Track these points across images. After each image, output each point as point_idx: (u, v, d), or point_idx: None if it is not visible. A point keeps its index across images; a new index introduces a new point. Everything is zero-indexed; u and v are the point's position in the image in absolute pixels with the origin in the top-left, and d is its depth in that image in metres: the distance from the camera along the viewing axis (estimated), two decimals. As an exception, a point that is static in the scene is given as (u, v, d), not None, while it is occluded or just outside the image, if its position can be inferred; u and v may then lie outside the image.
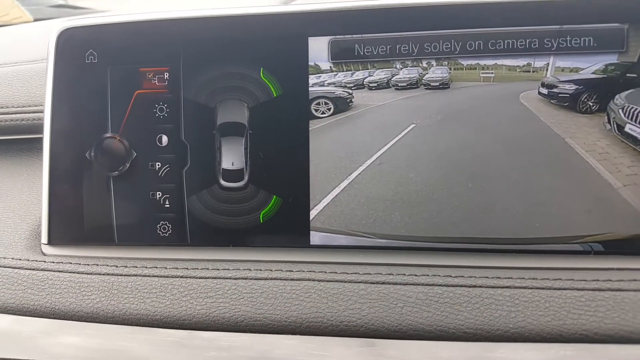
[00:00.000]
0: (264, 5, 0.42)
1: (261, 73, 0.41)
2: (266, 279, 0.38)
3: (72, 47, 0.44)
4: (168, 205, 0.43)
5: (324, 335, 0.35)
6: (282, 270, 0.38)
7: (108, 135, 0.43)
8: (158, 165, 0.43)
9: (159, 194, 0.43)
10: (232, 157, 0.42)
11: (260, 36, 0.41)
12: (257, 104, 0.41)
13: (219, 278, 0.38)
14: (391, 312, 0.35)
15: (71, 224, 0.44)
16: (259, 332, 0.36)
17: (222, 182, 0.42)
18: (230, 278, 0.38)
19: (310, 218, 0.40)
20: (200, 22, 0.42)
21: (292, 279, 0.37)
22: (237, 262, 0.40)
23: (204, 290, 0.38)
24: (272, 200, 0.41)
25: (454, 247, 0.39)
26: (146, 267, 0.40)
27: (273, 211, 0.41)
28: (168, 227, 0.43)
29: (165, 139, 0.43)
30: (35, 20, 0.95)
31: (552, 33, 0.38)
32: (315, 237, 0.41)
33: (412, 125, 0.40)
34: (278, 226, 0.41)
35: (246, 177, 0.42)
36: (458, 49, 0.39)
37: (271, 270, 0.38)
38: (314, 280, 0.37)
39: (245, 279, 0.38)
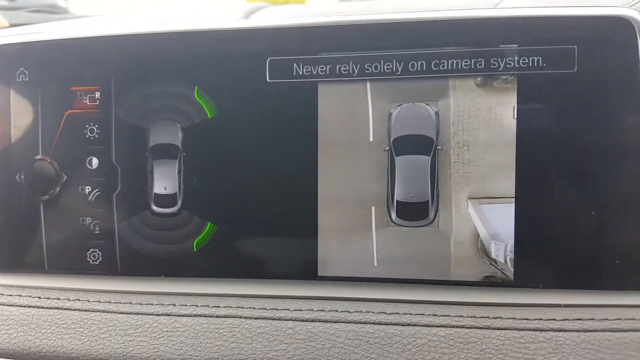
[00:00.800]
0: (199, 20, 0.39)
1: (195, 93, 0.39)
2: (190, 315, 0.35)
3: (2, 64, 0.42)
4: (98, 232, 0.40)
5: (246, 378, 0.33)
6: (208, 306, 0.35)
7: (39, 157, 0.41)
8: (88, 189, 0.41)
9: (89, 220, 0.41)
10: (164, 180, 0.40)
11: (194, 54, 0.39)
12: (191, 125, 0.39)
13: (141, 314, 0.36)
14: (318, 354, 0.32)
15: (0, 249, 0.41)
16: (177, 375, 0.34)
17: (154, 208, 0.40)
18: (152, 314, 0.36)
19: (246, 247, 0.38)
20: (131, 39, 0.40)
21: (217, 316, 0.35)
22: (163, 295, 0.37)
23: (124, 327, 0.36)
24: (207, 227, 0.39)
25: (394, 278, 0.37)
26: (69, 300, 0.38)
27: (207, 239, 0.39)
28: (98, 254, 0.41)
29: (95, 161, 0.41)
30: (12, 25, 0.93)
31: (498, 53, 0.35)
32: (252, 267, 0.38)
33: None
34: (212, 255, 0.39)
35: (179, 203, 0.39)
36: (400, 70, 0.37)
37: (197, 305, 0.35)
38: (240, 317, 0.34)
39: (168, 315, 0.35)
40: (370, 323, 0.33)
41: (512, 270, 0.35)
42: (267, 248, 0.37)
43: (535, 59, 0.35)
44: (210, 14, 0.41)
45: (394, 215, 0.37)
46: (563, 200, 0.34)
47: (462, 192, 0.36)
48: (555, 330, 0.31)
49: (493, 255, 0.35)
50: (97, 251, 0.40)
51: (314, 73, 0.37)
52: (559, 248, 0.34)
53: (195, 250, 0.39)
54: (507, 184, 0.35)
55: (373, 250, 0.37)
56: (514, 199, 0.35)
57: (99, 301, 0.37)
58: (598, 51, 0.34)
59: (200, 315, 0.35)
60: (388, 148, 0.37)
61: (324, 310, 0.34)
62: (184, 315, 0.35)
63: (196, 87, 0.39)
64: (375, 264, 0.37)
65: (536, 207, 0.35)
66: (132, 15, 0.45)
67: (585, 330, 0.30)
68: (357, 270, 0.37)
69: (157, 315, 0.35)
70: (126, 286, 0.38)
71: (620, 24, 0.33)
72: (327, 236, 0.37)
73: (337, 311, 0.33)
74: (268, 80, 0.38)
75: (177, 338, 0.34)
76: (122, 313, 0.36)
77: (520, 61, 0.35)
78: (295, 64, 0.37)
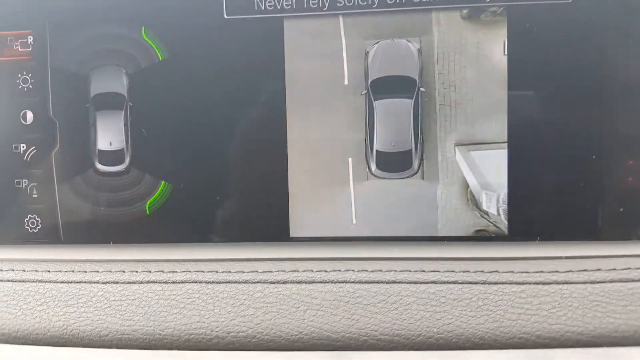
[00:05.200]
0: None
1: (142, 33, 0.34)
2: (141, 282, 0.30)
3: None
4: (36, 195, 0.35)
5: (207, 349, 0.28)
6: (163, 272, 0.30)
7: (-36, 112, 0.35)
8: (23, 147, 0.35)
9: (25, 182, 0.35)
10: (109, 135, 0.35)
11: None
12: (139, 70, 0.34)
13: (85, 282, 0.31)
14: (291, 318, 0.28)
15: None
16: (126, 348, 0.28)
17: (99, 166, 0.35)
18: (98, 282, 0.30)
19: (207, 208, 0.33)
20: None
21: (174, 282, 0.30)
22: (111, 262, 0.32)
23: (64, 298, 0.30)
24: (160, 187, 0.34)
25: (376, 236, 0.33)
26: (1, 270, 0.32)
27: (161, 200, 0.34)
28: (37, 221, 0.35)
29: (30, 115, 0.35)
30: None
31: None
32: (214, 231, 0.33)
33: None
34: (167, 218, 0.34)
35: (127, 159, 0.34)
36: (376, 2, 0.32)
37: (149, 271, 0.31)
38: (200, 282, 0.29)
39: (116, 282, 0.30)
40: (351, 282, 0.28)
41: (506, 222, 0.31)
42: (231, 208, 0.33)
43: (527, -13, 0.31)
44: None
45: (373, 167, 0.33)
46: (560, 145, 0.30)
47: (449, 138, 0.32)
48: (559, 283, 0.27)
49: (484, 207, 0.32)
50: (36, 217, 0.35)
51: (279, 7, 0.33)
52: (556, 197, 0.30)
53: (148, 213, 0.34)
54: (499, 127, 0.31)
55: (351, 206, 0.33)
56: (506, 145, 0.31)
57: (36, 270, 0.31)
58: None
59: (153, 282, 0.30)
60: (365, 91, 0.33)
61: (297, 271, 0.29)
62: (134, 282, 0.30)
63: (143, 27, 0.34)
64: (354, 222, 0.33)
65: (531, 153, 0.31)
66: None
67: (592, 282, 0.27)
68: (334, 230, 0.33)
69: (103, 283, 0.30)
70: (70, 255, 0.33)
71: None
72: (299, 193, 0.33)
73: (312, 271, 0.29)
74: (226, 16, 0.33)
75: (126, 307, 0.29)
76: (62, 282, 0.31)
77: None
78: (257, -4, 0.33)
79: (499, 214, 0.32)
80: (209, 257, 0.32)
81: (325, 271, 0.29)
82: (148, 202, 0.34)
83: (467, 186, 0.32)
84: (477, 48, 0.32)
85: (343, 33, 0.33)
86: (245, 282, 0.29)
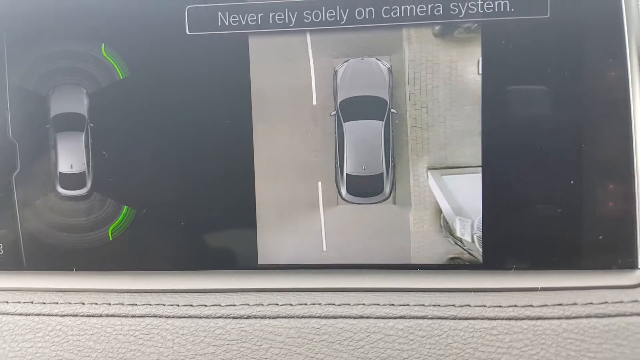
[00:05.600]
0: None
1: (102, 50, 0.32)
2: (100, 315, 0.29)
3: None
4: (-4, 220, 0.34)
5: (165, 390, 0.27)
6: (122, 304, 0.29)
7: None
8: (-18, 170, 0.34)
9: (-15, 207, 0.34)
10: (70, 157, 0.33)
11: (99, 5, 0.32)
12: (99, 89, 0.32)
13: (43, 315, 0.29)
14: (253, 357, 0.27)
15: None
16: (81, 389, 0.27)
17: (60, 190, 0.33)
18: (56, 315, 0.29)
19: (171, 234, 0.32)
20: (25, -13, 0.33)
21: (133, 316, 0.29)
22: (72, 292, 0.31)
23: (21, 332, 0.29)
24: (123, 212, 0.33)
25: (346, 264, 0.32)
26: (-43, 302, 0.31)
27: (124, 226, 0.33)
28: (-2, 247, 0.34)
29: (-12, 137, 0.34)
30: None
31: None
32: (178, 258, 0.32)
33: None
34: (130, 245, 0.33)
35: (89, 183, 0.33)
36: (345, 18, 0.31)
37: (109, 304, 0.29)
38: (160, 316, 0.28)
39: (75, 316, 0.29)
40: (316, 317, 0.27)
41: (481, 250, 0.30)
42: (196, 234, 0.31)
43: (502, 3, 0.30)
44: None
45: (344, 191, 0.31)
46: (537, 169, 0.29)
47: (421, 162, 0.31)
48: (532, 319, 0.26)
49: (458, 234, 0.30)
50: (-4, 243, 0.34)
51: (243, 23, 0.31)
52: (533, 224, 0.29)
53: (111, 239, 0.32)
54: (473, 151, 0.30)
55: (321, 232, 0.32)
56: (480, 169, 0.30)
57: (-7, 302, 0.30)
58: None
59: (112, 315, 0.29)
60: (334, 112, 0.31)
61: (262, 305, 0.28)
62: (93, 316, 0.29)
63: (103, 44, 0.32)
64: (324, 249, 0.31)
65: (506, 177, 0.30)
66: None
67: (567, 317, 0.26)
68: (303, 257, 0.32)
69: (61, 316, 0.29)
70: (32, 283, 0.32)
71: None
72: (267, 218, 0.31)
73: (277, 304, 0.28)
74: (188, 32, 0.31)
75: (84, 343, 0.28)
76: (20, 315, 0.30)
77: (485, 6, 0.30)
78: (219, 13, 0.31)
79: (473, 241, 0.30)
80: (173, 287, 0.30)
81: (291, 305, 0.28)
82: (111, 228, 0.33)
83: (441, 212, 0.31)
84: (450, 67, 0.30)
85: (311, 51, 0.31)
86: (207, 317, 0.28)
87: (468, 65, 0.30)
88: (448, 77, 0.30)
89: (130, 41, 0.32)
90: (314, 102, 0.32)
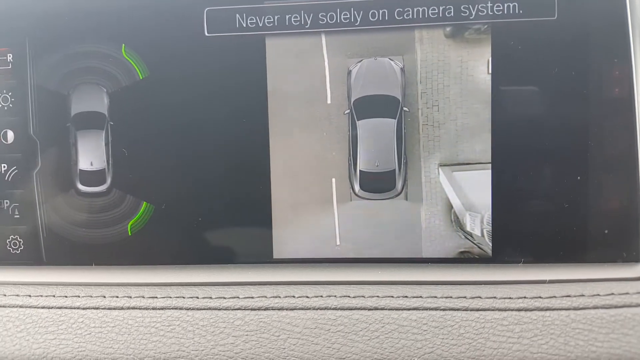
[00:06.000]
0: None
1: (123, 51, 0.33)
2: (121, 308, 0.30)
3: None
4: (18, 216, 0.35)
5: (187, 378, 0.28)
6: (143, 297, 0.30)
7: (-57, 131, 0.35)
8: (4, 167, 0.35)
9: (7, 203, 0.35)
10: (90, 155, 0.34)
11: (119, 6, 0.33)
12: (119, 89, 0.33)
13: (65, 308, 0.30)
14: (272, 347, 0.28)
15: None
16: (106, 378, 0.28)
17: (80, 187, 0.34)
18: (78, 308, 0.30)
19: (189, 229, 0.33)
20: (47, -11, 0.34)
21: (154, 308, 0.29)
22: (92, 286, 0.32)
23: (44, 324, 0.30)
24: (142, 208, 0.34)
25: (359, 258, 0.33)
26: (-20, 295, 0.32)
27: (143, 221, 0.34)
28: (19, 242, 0.35)
29: (10, 134, 0.35)
30: None
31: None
32: (196, 253, 0.33)
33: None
34: (149, 240, 0.34)
35: (108, 180, 0.34)
36: (359, 20, 0.32)
37: (130, 297, 0.30)
38: (181, 308, 0.29)
39: (97, 308, 0.30)
40: (332, 309, 0.28)
41: (490, 244, 0.31)
42: (213, 229, 0.32)
43: (511, 5, 0.31)
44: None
45: (357, 187, 0.32)
46: (545, 165, 0.30)
47: (433, 158, 0.32)
48: (541, 310, 0.27)
49: (468, 228, 0.31)
50: (18, 238, 0.35)
51: (260, 25, 0.32)
52: (541, 218, 0.30)
53: (130, 234, 0.33)
54: (483, 148, 0.31)
55: (335, 227, 0.32)
56: (490, 165, 0.31)
57: (17, 295, 0.31)
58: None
59: (133, 308, 0.29)
60: (348, 111, 0.32)
61: (279, 297, 0.29)
62: (114, 308, 0.30)
63: (123, 45, 0.33)
64: (338, 243, 0.32)
65: (515, 173, 0.31)
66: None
67: (575, 308, 0.27)
68: (317, 251, 0.33)
69: (83, 309, 0.30)
70: (52, 277, 0.33)
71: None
72: (282, 214, 0.32)
73: (293, 297, 0.29)
74: (206, 34, 0.32)
75: (106, 335, 0.29)
76: (43, 308, 0.30)
77: (494, 8, 0.31)
78: (237, 15, 0.32)
79: (483, 235, 0.31)
80: (191, 280, 0.31)
81: (307, 297, 0.29)
82: (130, 223, 0.34)
83: (451, 207, 0.32)
84: (461, 67, 0.31)
85: (325, 51, 0.32)
86: (226, 308, 0.29)
87: (478, 65, 0.31)
88: (459, 76, 0.31)
89: (150, 42, 0.33)
90: (329, 101, 0.33)
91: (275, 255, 0.33)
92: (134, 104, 0.33)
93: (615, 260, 0.30)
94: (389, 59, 0.32)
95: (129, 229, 0.34)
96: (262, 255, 0.33)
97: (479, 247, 0.31)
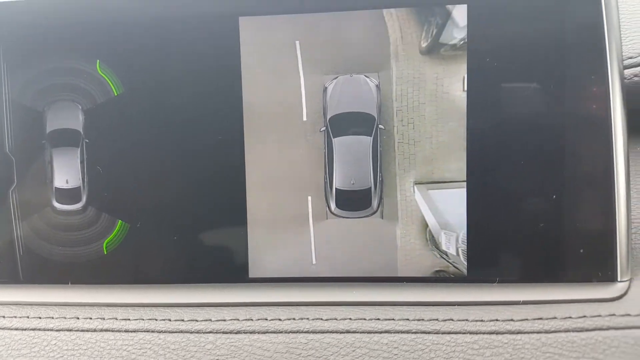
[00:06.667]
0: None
1: (97, 67, 0.33)
2: (94, 330, 0.30)
3: None
4: (-7, 234, 0.35)
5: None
6: (116, 319, 0.30)
7: None
8: (-21, 185, 0.35)
9: (-18, 221, 0.35)
10: (66, 172, 0.34)
11: (93, 20, 0.33)
12: (94, 106, 0.33)
13: (39, 330, 0.30)
14: (242, 371, 0.28)
15: None
16: (77, 402, 0.28)
17: (56, 204, 0.34)
18: (52, 330, 0.30)
19: (164, 248, 0.33)
20: (21, 5, 0.34)
21: (126, 330, 0.29)
22: (67, 306, 0.32)
23: (17, 347, 0.30)
24: (117, 226, 0.33)
25: (335, 277, 0.32)
26: (-45, 315, 0.32)
27: (118, 240, 0.34)
28: (-5, 260, 0.35)
29: (-15, 152, 0.35)
30: None
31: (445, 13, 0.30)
32: (172, 272, 0.33)
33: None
34: (125, 258, 0.33)
35: (84, 198, 0.34)
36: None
37: (103, 318, 0.30)
38: (152, 331, 0.29)
39: (70, 330, 0.30)
40: (304, 332, 0.28)
41: (465, 263, 0.31)
42: (189, 248, 0.32)
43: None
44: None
45: (333, 205, 0.32)
46: (520, 184, 0.30)
47: (408, 176, 0.31)
48: (513, 333, 0.27)
49: (444, 247, 0.31)
50: (-6, 256, 0.34)
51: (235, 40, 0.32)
52: (516, 237, 0.30)
53: (105, 252, 0.33)
54: (458, 166, 0.31)
55: (311, 246, 0.32)
56: (465, 184, 0.31)
57: (-10, 316, 0.31)
58: (557, 12, 0.29)
59: (106, 330, 0.29)
60: (324, 128, 0.32)
61: (252, 320, 0.29)
62: (87, 330, 0.30)
63: (98, 61, 0.33)
64: (314, 262, 0.32)
65: (490, 192, 0.30)
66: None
67: (546, 332, 0.27)
68: (293, 270, 0.32)
69: (56, 330, 0.30)
70: (28, 297, 0.33)
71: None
72: (258, 232, 0.32)
73: (266, 319, 0.29)
74: (180, 49, 0.32)
75: (78, 358, 0.29)
76: (17, 329, 0.30)
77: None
78: (212, 28, 0.32)
79: (458, 254, 0.31)
80: (166, 301, 0.31)
81: (280, 319, 0.29)
82: (105, 242, 0.34)
83: (427, 226, 0.31)
84: (436, 84, 0.31)
85: (301, 67, 0.32)
86: (198, 332, 0.29)
87: (453, 83, 0.31)
88: (434, 94, 0.31)
89: (124, 58, 0.33)
90: (304, 118, 0.32)
91: (251, 275, 0.32)
92: (108, 121, 0.33)
93: (591, 280, 0.30)
94: (365, 75, 0.32)
95: (104, 248, 0.34)
96: (238, 275, 0.32)
97: (454, 266, 0.31)
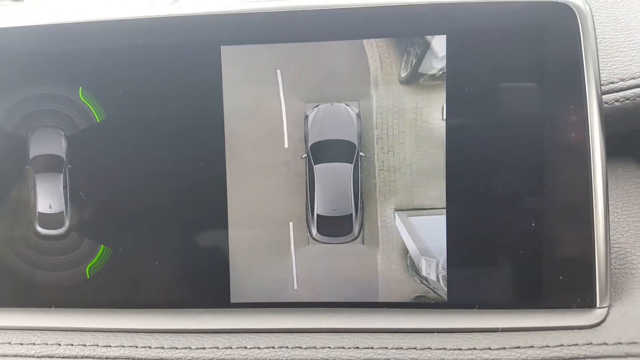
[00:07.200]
0: (88, 10, 0.34)
1: (80, 94, 0.33)
2: (75, 357, 0.30)
3: None
4: (-23, 258, 0.35)
5: None
6: (97, 346, 0.30)
7: None
8: (-37, 209, 0.35)
9: (-34, 245, 0.35)
10: (49, 198, 0.34)
11: (76, 49, 0.33)
12: (77, 132, 0.33)
13: (20, 356, 0.30)
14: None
15: None
16: None
17: (39, 229, 0.34)
18: (33, 356, 0.30)
19: (146, 273, 0.33)
20: (4, 33, 0.34)
21: (107, 357, 0.30)
22: (49, 331, 0.32)
23: (-3, 374, 0.30)
24: (100, 251, 0.34)
25: (317, 302, 0.33)
26: None
27: (101, 264, 0.34)
28: (-22, 285, 0.35)
29: (-31, 176, 0.35)
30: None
31: (424, 44, 0.31)
32: (154, 296, 0.33)
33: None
34: (107, 283, 0.34)
35: (67, 223, 0.34)
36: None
37: (84, 345, 0.30)
38: (133, 358, 0.29)
39: (51, 357, 0.30)
40: (282, 362, 0.28)
41: (445, 289, 0.31)
42: (171, 273, 0.32)
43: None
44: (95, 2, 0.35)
45: (314, 231, 0.32)
46: (499, 211, 0.30)
47: (389, 203, 0.32)
48: (490, 363, 0.27)
49: (424, 273, 0.31)
50: (-24, 281, 0.35)
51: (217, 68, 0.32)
52: (496, 264, 0.30)
53: (88, 277, 0.33)
54: (437, 193, 0.31)
55: (293, 271, 0.33)
56: (444, 210, 0.31)
57: (-30, 343, 0.31)
58: (536, 41, 0.30)
59: (87, 357, 0.30)
60: (305, 155, 0.32)
61: (231, 347, 0.29)
62: (69, 357, 0.30)
63: (80, 88, 0.33)
64: (296, 287, 0.32)
65: (469, 218, 0.31)
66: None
67: (523, 361, 0.27)
68: (275, 295, 0.33)
69: (38, 357, 0.30)
70: (12, 320, 0.33)
71: (561, 11, 0.30)
72: (240, 258, 0.32)
73: (245, 347, 0.29)
74: (163, 76, 0.32)
75: (58, 387, 0.29)
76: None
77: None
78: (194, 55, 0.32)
79: (438, 280, 0.31)
80: (147, 327, 0.31)
81: (259, 348, 0.29)
82: (88, 266, 0.34)
83: (407, 252, 0.32)
84: (416, 113, 0.31)
85: (282, 95, 0.32)
86: (178, 359, 0.29)
87: (433, 111, 0.31)
88: (414, 122, 0.31)
89: (106, 85, 0.33)
90: (286, 145, 0.33)
91: (233, 300, 0.33)
92: (91, 147, 0.33)
93: (570, 306, 0.30)
94: (345, 104, 0.32)
95: (87, 272, 0.34)
96: (220, 300, 0.33)
97: (435, 292, 0.31)
